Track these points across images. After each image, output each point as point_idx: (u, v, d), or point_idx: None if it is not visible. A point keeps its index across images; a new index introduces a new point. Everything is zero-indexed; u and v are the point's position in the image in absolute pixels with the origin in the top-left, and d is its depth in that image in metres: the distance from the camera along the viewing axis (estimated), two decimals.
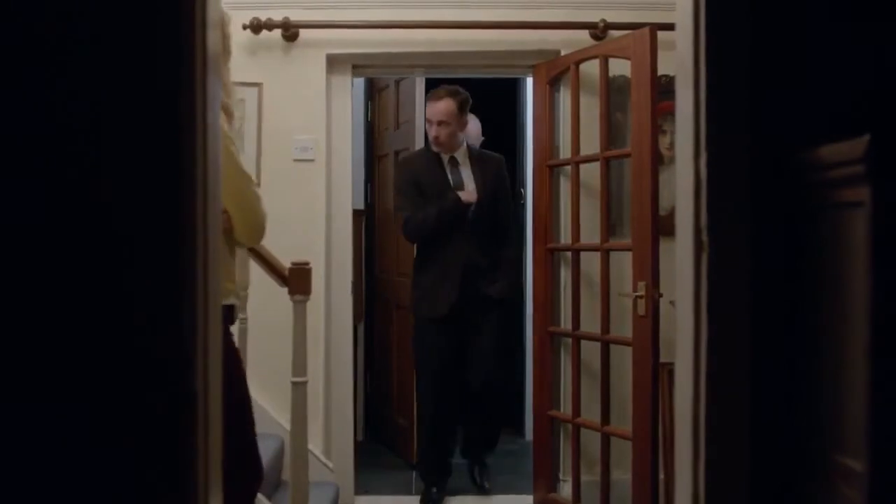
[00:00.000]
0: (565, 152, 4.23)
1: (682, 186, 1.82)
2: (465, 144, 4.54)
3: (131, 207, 1.54)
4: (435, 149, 4.41)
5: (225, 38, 2.76)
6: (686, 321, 1.76)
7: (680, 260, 1.82)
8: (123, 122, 1.53)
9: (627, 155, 3.71)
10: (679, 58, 1.83)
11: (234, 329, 2.87)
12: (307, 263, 3.16)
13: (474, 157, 4.51)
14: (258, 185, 2.74)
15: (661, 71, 3.59)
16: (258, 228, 2.67)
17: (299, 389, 3.16)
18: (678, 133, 1.85)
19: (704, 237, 1.71)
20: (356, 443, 4.63)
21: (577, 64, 4.02)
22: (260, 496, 3.07)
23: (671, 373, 3.89)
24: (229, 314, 2.70)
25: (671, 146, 4.12)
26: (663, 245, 3.48)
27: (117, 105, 1.53)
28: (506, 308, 4.46)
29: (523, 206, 5.55)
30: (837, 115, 1.65)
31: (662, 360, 3.60)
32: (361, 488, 4.55)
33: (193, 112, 1.56)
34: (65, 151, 1.52)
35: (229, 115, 2.72)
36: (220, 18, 2.72)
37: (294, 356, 3.14)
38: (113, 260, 1.53)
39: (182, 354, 1.56)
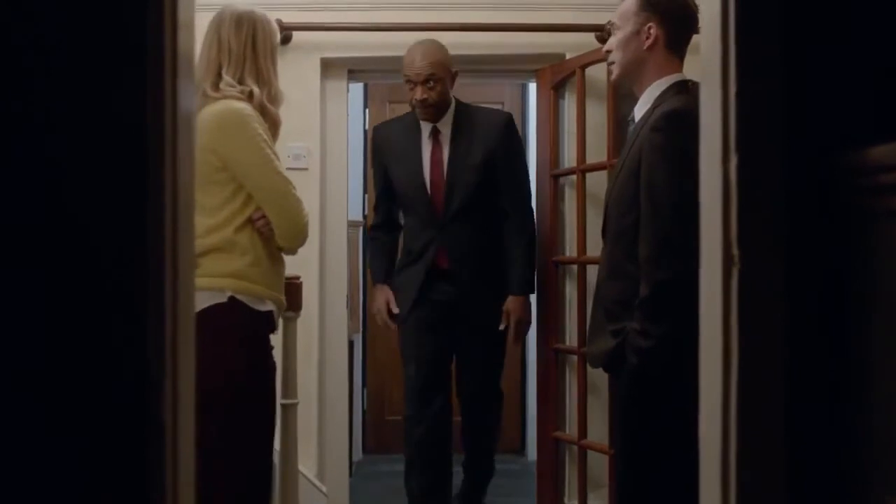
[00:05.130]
0: (570, 161, 4.06)
1: (707, 194, 1.65)
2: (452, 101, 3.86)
3: (90, 215, 1.38)
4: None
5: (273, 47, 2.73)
6: (713, 344, 1.58)
7: (705, 275, 1.64)
8: (85, 127, 1.38)
9: None
10: (704, 52, 1.65)
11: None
12: (298, 278, 2.98)
13: (460, 114, 3.86)
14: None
15: None
16: (300, 231, 2.65)
17: (289, 412, 2.99)
18: (703, 135, 1.68)
19: (735, 250, 1.52)
20: (353, 464, 4.45)
21: (583, 68, 3.86)
22: None
23: None
24: (270, 321, 2.61)
25: None
26: None
27: (78, 108, 1.38)
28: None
29: None
30: (887, 112, 1.47)
31: None
32: None
33: (161, 117, 1.41)
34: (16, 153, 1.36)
35: (274, 123, 2.69)
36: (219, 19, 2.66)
37: (283, 377, 2.96)
38: (68, 267, 1.37)
39: (147, 379, 1.40)
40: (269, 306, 2.60)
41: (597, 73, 3.84)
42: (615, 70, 2.67)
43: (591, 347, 2.68)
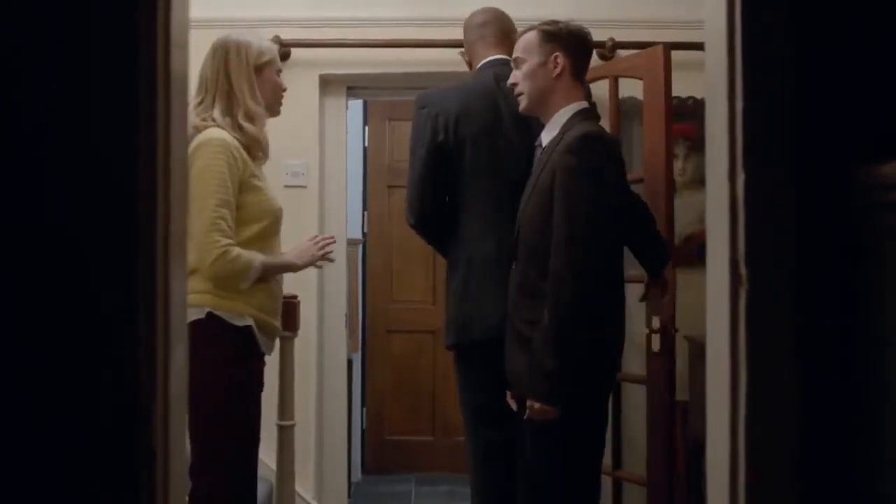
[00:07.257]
0: None
1: (713, 212, 1.60)
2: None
3: (80, 239, 1.34)
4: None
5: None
6: (720, 367, 1.53)
7: (712, 296, 1.59)
8: (75, 151, 1.34)
9: (639, 180, 3.48)
10: (709, 68, 1.61)
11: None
12: (295, 297, 2.94)
13: None
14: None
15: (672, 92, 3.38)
16: (212, 272, 2.51)
17: (286, 433, 2.94)
18: (709, 151, 1.63)
19: (743, 269, 1.48)
20: (351, 484, 4.39)
21: None
22: None
23: (686, 412, 3.66)
24: (250, 337, 2.59)
25: (683, 171, 3.93)
26: (678, 276, 3.26)
27: (65, 132, 1.34)
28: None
29: None
30: None
31: (677, 398, 3.37)
32: None
33: (154, 142, 1.37)
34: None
35: (255, 142, 2.66)
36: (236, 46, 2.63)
37: (280, 397, 2.92)
38: (57, 293, 1.33)
39: (137, 407, 1.35)
40: (247, 321, 2.55)
41: (598, 90, 3.79)
42: (523, 101, 2.71)
43: (509, 365, 2.65)
